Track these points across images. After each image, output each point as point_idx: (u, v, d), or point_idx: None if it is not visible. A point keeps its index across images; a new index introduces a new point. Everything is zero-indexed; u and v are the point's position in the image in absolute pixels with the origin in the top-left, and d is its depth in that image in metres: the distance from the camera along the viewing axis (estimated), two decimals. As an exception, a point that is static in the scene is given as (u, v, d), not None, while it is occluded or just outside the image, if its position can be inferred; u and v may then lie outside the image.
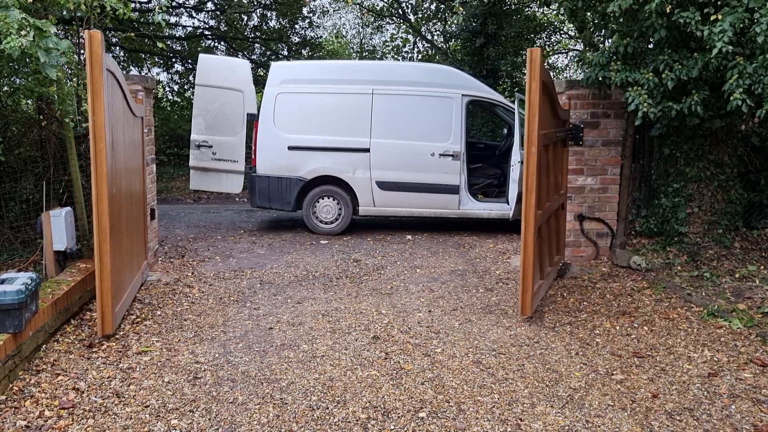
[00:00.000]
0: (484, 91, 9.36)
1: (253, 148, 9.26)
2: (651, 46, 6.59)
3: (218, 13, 17.63)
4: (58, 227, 6.00)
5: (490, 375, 4.35)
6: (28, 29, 4.57)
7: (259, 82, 13.78)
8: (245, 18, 18.29)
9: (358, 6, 20.38)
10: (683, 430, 3.65)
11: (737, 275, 6.29)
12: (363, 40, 22.37)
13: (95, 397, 3.98)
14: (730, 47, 5.31)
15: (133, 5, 6.08)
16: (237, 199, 13.39)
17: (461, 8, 14.57)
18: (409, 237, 9.12)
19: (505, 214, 8.96)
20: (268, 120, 9.08)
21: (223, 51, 18.24)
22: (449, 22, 17.63)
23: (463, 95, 9.10)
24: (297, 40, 18.55)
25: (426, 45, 19.16)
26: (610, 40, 6.69)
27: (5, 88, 6.50)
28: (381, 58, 19.60)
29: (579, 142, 7.19)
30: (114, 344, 4.84)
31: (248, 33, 18.55)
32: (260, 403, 3.93)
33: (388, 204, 9.17)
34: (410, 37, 19.33)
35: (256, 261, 7.64)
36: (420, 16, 18.69)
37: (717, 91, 5.97)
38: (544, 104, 5.59)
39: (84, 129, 6.14)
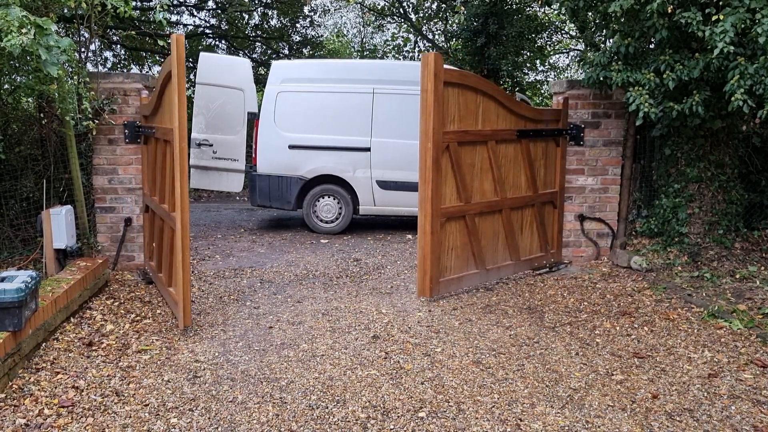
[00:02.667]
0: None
1: (253, 146, 9.25)
2: (652, 46, 6.58)
3: (219, 11, 17.61)
4: (58, 225, 6.00)
5: (489, 375, 4.35)
6: (28, 27, 4.56)
7: (260, 81, 13.77)
8: (246, 16, 18.27)
9: (359, 5, 20.37)
10: (683, 431, 3.65)
11: (738, 276, 6.29)
12: (364, 39, 22.37)
13: (95, 395, 3.97)
14: (732, 48, 5.30)
15: (133, 3, 6.08)
16: (237, 197, 13.39)
17: (462, 8, 14.56)
18: (410, 236, 9.11)
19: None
20: (269, 119, 9.07)
21: (223, 49, 18.23)
22: (450, 22, 17.61)
23: (463, 95, 9.08)
24: (298, 38, 18.53)
25: (427, 44, 19.14)
26: (611, 40, 6.68)
27: (6, 86, 6.49)
28: (382, 58, 19.59)
29: (579, 142, 7.19)
30: (114, 342, 4.84)
31: (249, 32, 18.53)
32: (260, 402, 3.93)
33: (388, 203, 9.17)
34: (411, 36, 19.32)
35: (256, 260, 7.64)
36: (421, 15, 18.68)
37: (718, 92, 5.96)
38: (458, 104, 6.04)
39: (84, 127, 6.14)
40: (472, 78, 6.28)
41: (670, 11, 5.70)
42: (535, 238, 7.07)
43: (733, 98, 5.48)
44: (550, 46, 17.95)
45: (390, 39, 19.94)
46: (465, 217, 6.29)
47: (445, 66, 5.99)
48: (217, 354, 4.68)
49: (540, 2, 7.42)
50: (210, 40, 18.44)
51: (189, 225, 5.10)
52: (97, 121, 6.33)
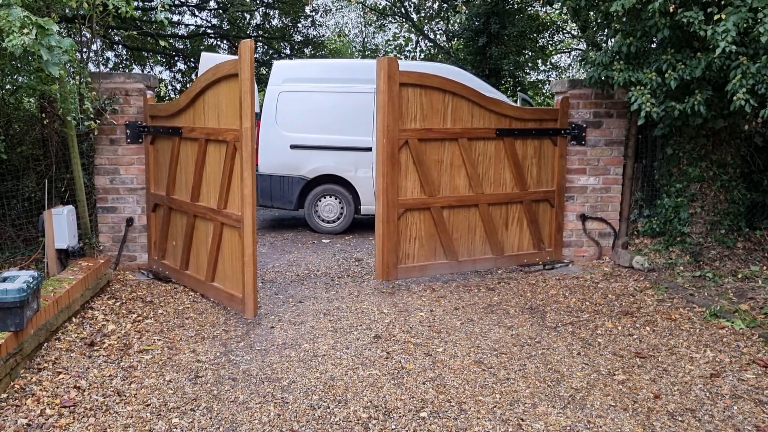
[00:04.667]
0: (486, 90, 9.32)
1: (255, 146, 9.24)
2: (654, 45, 6.57)
3: (221, 11, 17.62)
4: (59, 225, 6.01)
5: (491, 375, 4.34)
6: (30, 27, 4.56)
7: (262, 81, 13.77)
8: (248, 16, 18.28)
9: (360, 5, 20.37)
10: (685, 431, 3.64)
11: (740, 276, 6.28)
12: (365, 39, 22.37)
13: (96, 395, 3.98)
14: (734, 47, 5.29)
15: (135, 3, 6.08)
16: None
17: (464, 7, 14.56)
18: (411, 236, 9.10)
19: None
20: (271, 119, 9.07)
21: (225, 49, 18.24)
22: (452, 21, 17.60)
23: (465, 94, 9.08)
24: (299, 38, 18.54)
25: (428, 44, 19.15)
26: (613, 40, 6.67)
27: (7, 86, 6.50)
28: (383, 58, 19.57)
29: (581, 141, 7.19)
30: (115, 342, 4.85)
31: (251, 31, 18.54)
32: (261, 402, 3.93)
33: (390, 203, 9.16)
34: (413, 36, 19.32)
35: (257, 259, 7.63)
36: (422, 15, 18.67)
37: (720, 91, 5.95)
38: (420, 104, 6.48)
39: (86, 127, 6.15)
40: (435, 79, 6.58)
41: (671, 10, 5.69)
42: (525, 235, 7.19)
43: (735, 98, 5.47)
44: (551, 45, 17.93)
45: (391, 39, 19.94)
46: (430, 209, 6.69)
47: (400, 66, 6.36)
48: (218, 354, 4.68)
49: (542, 2, 7.42)
50: (211, 39, 18.45)
51: (255, 221, 5.39)
52: (98, 121, 6.33)
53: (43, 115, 6.54)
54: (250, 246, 5.34)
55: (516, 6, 14.68)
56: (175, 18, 17.48)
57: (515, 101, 10.84)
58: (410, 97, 6.43)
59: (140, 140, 6.66)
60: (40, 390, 4.00)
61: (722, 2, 5.59)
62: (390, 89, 6.28)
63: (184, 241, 6.31)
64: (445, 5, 17.21)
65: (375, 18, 20.66)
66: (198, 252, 6.19)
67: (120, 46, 16.49)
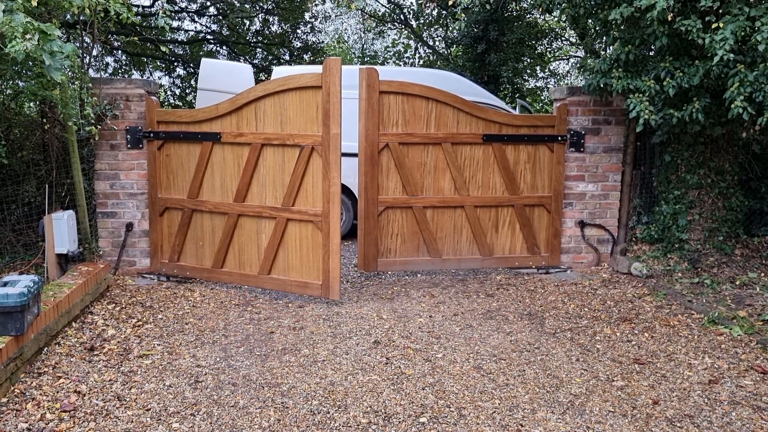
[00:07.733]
0: (485, 96, 9.38)
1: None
2: (652, 53, 6.62)
3: (220, 17, 17.67)
4: (60, 230, 6.02)
5: (490, 380, 4.35)
6: (33, 33, 4.58)
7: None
8: (247, 22, 18.33)
9: (360, 11, 20.44)
10: (684, 437, 3.66)
11: (738, 282, 6.30)
12: (364, 46, 22.43)
13: (96, 400, 3.98)
14: (731, 55, 5.33)
15: (136, 10, 6.11)
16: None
17: (463, 14, 14.62)
18: (410, 242, 9.11)
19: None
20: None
21: (225, 55, 18.28)
22: (451, 28, 17.65)
23: (464, 101, 9.10)
24: (299, 44, 18.58)
25: (427, 51, 19.21)
26: (611, 47, 6.72)
27: (8, 91, 6.52)
28: (382, 64, 19.65)
29: (580, 148, 7.22)
30: (115, 347, 4.85)
31: (250, 37, 18.59)
32: (261, 407, 3.94)
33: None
34: (412, 42, 19.38)
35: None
36: (421, 21, 18.74)
37: (718, 99, 5.99)
38: (401, 110, 6.86)
39: (86, 132, 6.16)
40: (417, 87, 6.90)
41: (670, 19, 5.74)
42: (518, 238, 7.30)
43: (732, 105, 5.50)
44: (550, 52, 18.01)
45: (390, 45, 20.00)
46: (412, 208, 7.02)
47: (396, 74, 6.84)
48: (218, 359, 4.69)
49: (541, 9, 7.46)
50: (211, 45, 18.49)
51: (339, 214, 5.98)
52: (99, 127, 6.35)
53: (44, 120, 6.56)
54: (337, 237, 5.93)
55: (515, 13, 14.74)
56: (175, 24, 17.52)
57: (515, 108, 10.89)
58: (392, 104, 6.81)
59: (140, 146, 6.67)
60: (41, 394, 4.00)
61: (720, 11, 5.63)
62: (369, 97, 6.69)
63: (221, 240, 6.52)
64: (444, 12, 17.27)
65: (374, 24, 20.73)
66: (242, 249, 6.50)
67: (119, 51, 16.52)
